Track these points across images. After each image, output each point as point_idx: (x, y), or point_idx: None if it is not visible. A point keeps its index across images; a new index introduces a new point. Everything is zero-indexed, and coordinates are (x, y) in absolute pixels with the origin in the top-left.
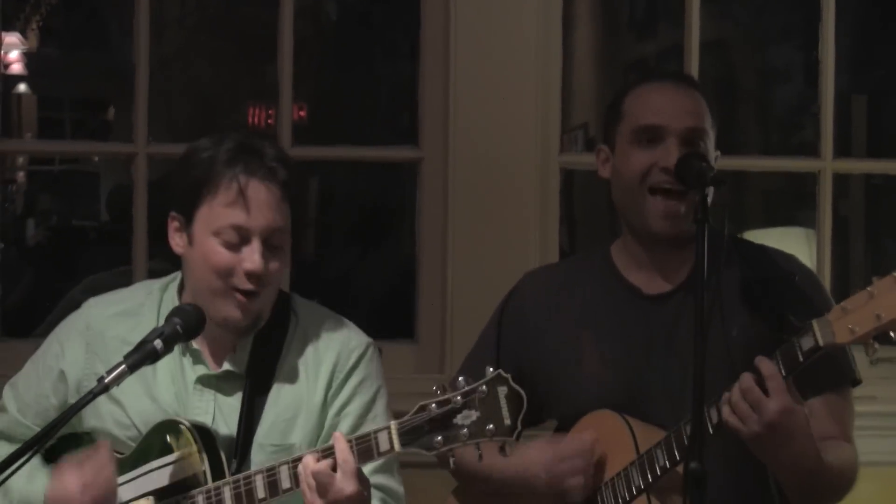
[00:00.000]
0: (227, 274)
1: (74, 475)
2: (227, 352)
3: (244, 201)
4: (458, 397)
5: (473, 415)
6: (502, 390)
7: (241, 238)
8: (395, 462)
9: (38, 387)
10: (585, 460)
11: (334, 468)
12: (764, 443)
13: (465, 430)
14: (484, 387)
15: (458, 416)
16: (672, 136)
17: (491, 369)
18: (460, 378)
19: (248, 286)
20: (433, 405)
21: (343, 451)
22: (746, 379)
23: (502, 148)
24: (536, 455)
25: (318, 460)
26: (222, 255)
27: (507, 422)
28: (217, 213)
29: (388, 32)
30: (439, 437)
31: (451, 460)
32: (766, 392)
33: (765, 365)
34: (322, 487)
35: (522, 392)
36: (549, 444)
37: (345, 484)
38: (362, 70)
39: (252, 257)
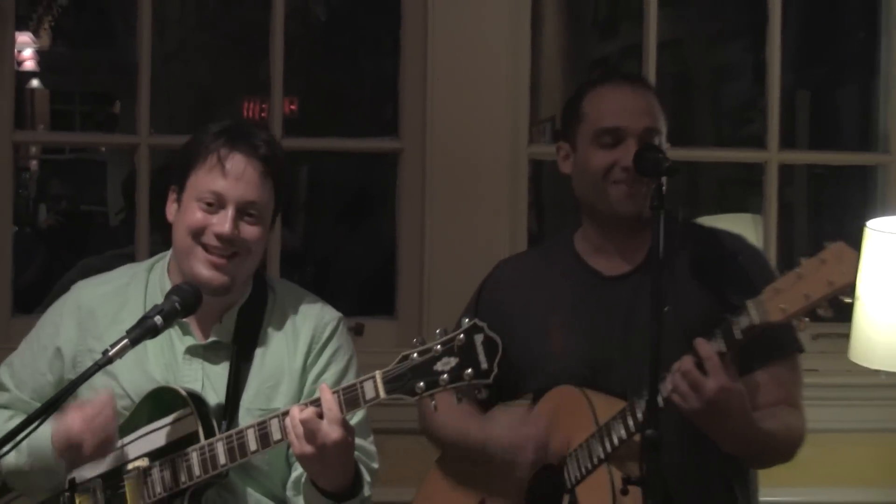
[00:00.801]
0: (198, 233)
1: (76, 413)
2: (214, 323)
3: (222, 170)
4: (438, 346)
5: (452, 361)
6: (479, 337)
7: (218, 203)
8: (368, 426)
9: (34, 365)
10: (538, 440)
11: (320, 416)
12: (704, 418)
13: (445, 375)
14: (462, 335)
15: (439, 363)
16: (631, 137)
17: (467, 319)
18: (438, 330)
19: (215, 244)
20: (415, 354)
21: (328, 401)
22: (686, 361)
23: (475, 139)
24: (502, 429)
25: (314, 410)
26: (197, 215)
27: (485, 366)
28: (201, 178)
29: (372, 32)
30: (421, 383)
31: (433, 404)
32: (704, 372)
33: (702, 347)
34: (309, 434)
35: (497, 338)
36: (511, 423)
37: (330, 430)
38: (348, 67)
39: (222, 222)
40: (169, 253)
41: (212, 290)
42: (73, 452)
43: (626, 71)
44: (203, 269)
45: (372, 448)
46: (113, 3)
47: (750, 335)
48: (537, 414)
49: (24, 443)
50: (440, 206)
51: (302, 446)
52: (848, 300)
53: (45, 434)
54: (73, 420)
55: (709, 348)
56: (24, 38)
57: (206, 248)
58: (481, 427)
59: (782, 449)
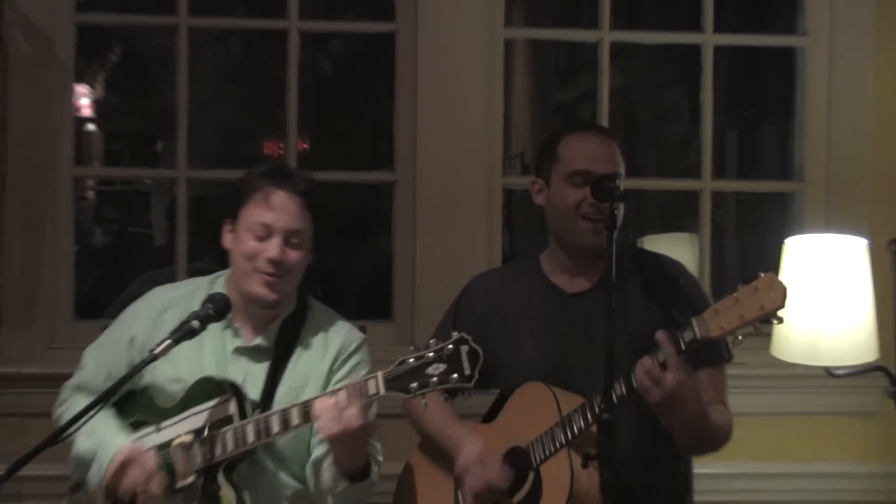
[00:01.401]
0: (252, 258)
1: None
2: (260, 330)
3: (269, 205)
4: (431, 353)
5: (442, 367)
6: (464, 348)
7: (267, 233)
8: (378, 428)
9: (111, 352)
10: (489, 478)
11: (345, 404)
12: (664, 408)
13: (435, 378)
14: (451, 346)
15: (430, 368)
16: (592, 178)
17: (456, 333)
18: (431, 340)
19: (268, 269)
20: (411, 359)
21: (352, 390)
22: (646, 360)
23: (457, 172)
24: (470, 445)
25: (335, 400)
26: (250, 244)
27: (468, 372)
28: (251, 213)
29: (370, 83)
30: (415, 384)
31: (424, 402)
32: (664, 368)
33: (663, 342)
34: (337, 414)
35: (480, 350)
36: (483, 457)
37: (353, 415)
38: (351, 112)
39: (271, 248)
40: (228, 270)
41: (263, 304)
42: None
43: (590, 120)
44: (257, 287)
45: (378, 446)
46: (155, 59)
47: (692, 347)
48: (498, 481)
49: (96, 441)
50: (428, 228)
51: (330, 427)
52: (776, 322)
53: (113, 445)
54: (120, 463)
55: (670, 346)
56: (82, 89)
57: (259, 270)
58: (457, 435)
59: (720, 440)
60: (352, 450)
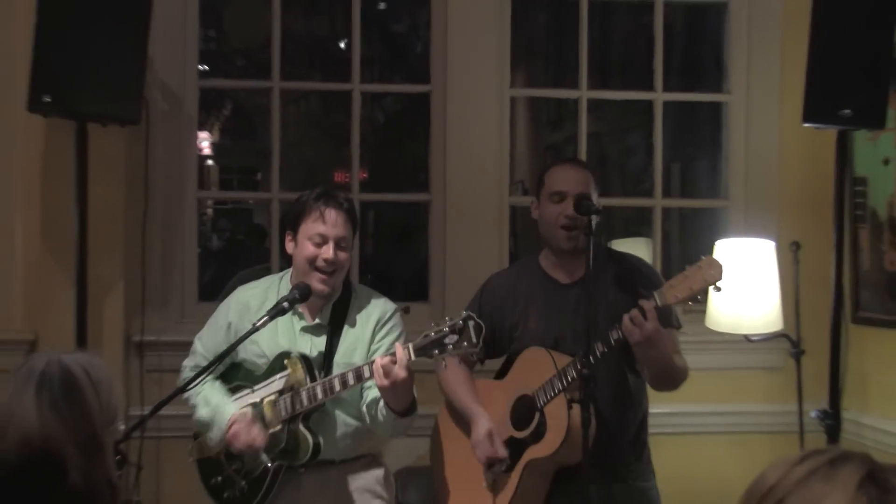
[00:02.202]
0: (312, 261)
1: (242, 434)
2: (317, 313)
3: (323, 220)
4: (446, 328)
5: (455, 337)
6: (471, 323)
7: (322, 241)
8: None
9: (214, 336)
10: (486, 451)
11: (394, 363)
12: (642, 347)
13: (451, 346)
14: (461, 322)
15: (446, 339)
16: (570, 197)
17: (465, 312)
18: (447, 318)
19: (325, 268)
20: (432, 333)
21: (400, 351)
22: (634, 311)
23: (476, 194)
24: (482, 420)
25: (391, 359)
26: (310, 249)
27: (474, 340)
28: (309, 226)
29: (412, 128)
30: (436, 350)
31: (444, 364)
32: (645, 318)
33: (647, 304)
34: (387, 372)
35: (482, 324)
36: (491, 434)
37: (401, 371)
38: (397, 149)
39: (327, 253)
40: (290, 269)
41: (321, 295)
42: (227, 442)
43: (571, 156)
44: (316, 283)
45: (415, 393)
46: (256, 112)
47: (661, 310)
48: (488, 436)
49: (212, 405)
50: (454, 235)
51: (382, 381)
52: (716, 291)
53: (227, 412)
54: (240, 430)
55: (650, 304)
56: (203, 134)
57: (317, 269)
58: (474, 409)
59: (679, 378)
60: (399, 396)
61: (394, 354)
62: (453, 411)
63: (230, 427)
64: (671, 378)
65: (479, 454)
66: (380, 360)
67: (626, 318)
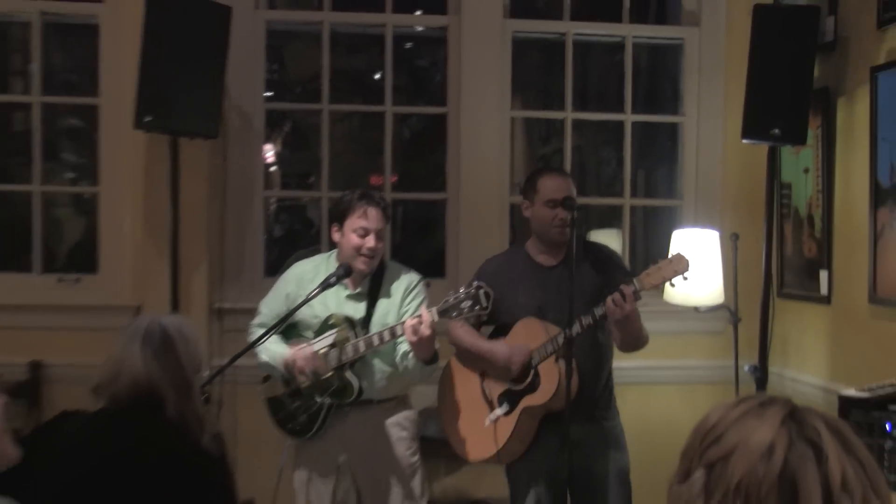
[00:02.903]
0: (358, 249)
1: (298, 354)
2: (359, 284)
3: (366, 216)
4: (462, 294)
5: (469, 302)
6: (481, 291)
7: (365, 233)
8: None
9: (275, 301)
10: (521, 360)
11: (421, 323)
12: (621, 323)
13: (466, 309)
14: (473, 289)
15: (462, 303)
16: (560, 202)
17: (476, 282)
18: (462, 287)
19: (368, 254)
20: (450, 298)
21: (425, 314)
22: (616, 296)
23: (483, 194)
24: (498, 347)
25: (419, 320)
26: (356, 240)
27: (484, 304)
28: (354, 221)
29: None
30: (454, 313)
31: (449, 329)
32: (625, 300)
33: (627, 289)
34: (415, 330)
35: (491, 291)
36: (508, 345)
37: (426, 329)
38: (421, 159)
39: (369, 242)
40: (336, 250)
41: (363, 274)
42: (289, 369)
43: (557, 165)
44: (360, 265)
45: (436, 346)
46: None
47: (635, 294)
48: (522, 347)
49: (271, 351)
50: (466, 226)
51: (411, 337)
52: (684, 279)
53: (282, 354)
54: (298, 357)
55: (629, 289)
56: (267, 146)
57: (361, 255)
58: (489, 346)
59: (643, 344)
60: (424, 349)
61: (420, 316)
62: (460, 361)
63: (291, 358)
64: (639, 344)
65: (514, 364)
66: (410, 320)
67: (609, 300)
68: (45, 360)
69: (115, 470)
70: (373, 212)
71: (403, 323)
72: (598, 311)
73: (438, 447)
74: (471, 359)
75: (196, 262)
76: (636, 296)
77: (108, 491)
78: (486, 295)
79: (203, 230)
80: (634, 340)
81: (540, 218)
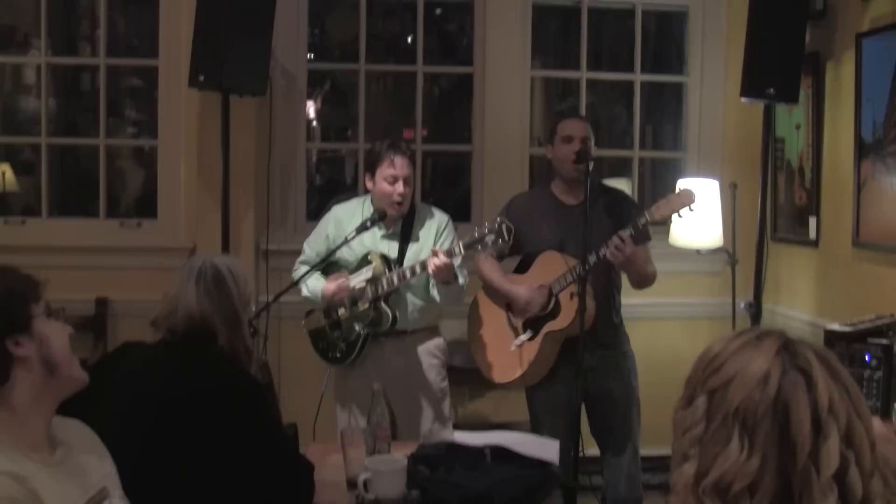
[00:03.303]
0: (389, 195)
1: (333, 283)
2: (393, 225)
3: (394, 164)
4: (486, 230)
5: (492, 236)
6: (504, 226)
7: (394, 180)
8: (462, 265)
9: (317, 242)
10: (540, 301)
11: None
12: (625, 264)
13: (489, 242)
14: (496, 225)
15: (486, 237)
16: (576, 140)
17: (499, 218)
18: (486, 223)
19: (398, 199)
20: (475, 234)
21: (439, 252)
22: (615, 239)
23: (506, 146)
24: (523, 288)
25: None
26: (387, 187)
27: (506, 237)
28: (384, 170)
29: (460, 99)
30: (479, 246)
31: (477, 263)
32: (624, 244)
33: (623, 234)
34: (435, 264)
35: (512, 226)
36: (529, 287)
37: (443, 258)
38: (449, 114)
39: (399, 188)
40: (370, 195)
41: (395, 217)
42: (326, 299)
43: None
44: (391, 210)
45: (464, 271)
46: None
47: (645, 225)
48: (540, 290)
49: (311, 287)
50: (489, 175)
51: (431, 266)
52: (691, 211)
53: (319, 287)
54: (330, 287)
55: (626, 234)
56: (309, 102)
57: (392, 200)
58: (510, 287)
59: (651, 280)
60: (445, 277)
61: (436, 253)
62: (487, 295)
63: (328, 292)
64: (646, 282)
65: (532, 306)
66: (433, 255)
67: (610, 245)
68: (109, 296)
69: (172, 395)
70: (399, 160)
71: (427, 260)
72: (602, 252)
73: (464, 375)
74: (495, 294)
75: (245, 208)
76: (644, 234)
77: (164, 414)
78: (508, 230)
79: (251, 179)
80: (641, 278)
81: (558, 155)
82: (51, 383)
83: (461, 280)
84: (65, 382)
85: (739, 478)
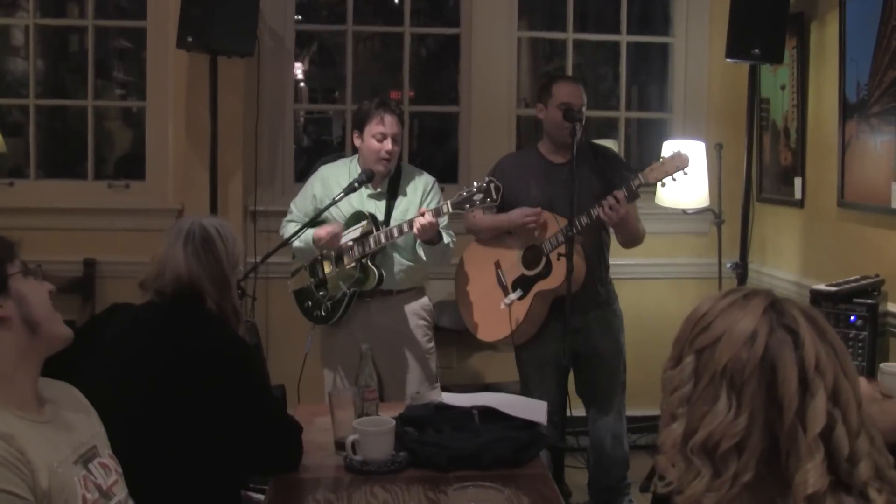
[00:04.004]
0: (377, 152)
1: (323, 228)
2: (380, 184)
3: (383, 122)
4: (474, 188)
5: (481, 195)
6: (492, 185)
7: (382, 137)
8: (448, 225)
9: (304, 202)
10: (534, 216)
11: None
12: (618, 224)
13: (478, 201)
14: (485, 184)
15: (475, 196)
16: (573, 108)
17: (487, 177)
18: (475, 182)
19: (385, 157)
20: (464, 192)
21: (426, 212)
22: (609, 199)
23: (493, 107)
24: (511, 214)
25: (422, 214)
26: (375, 144)
27: (494, 196)
28: (373, 127)
29: (447, 60)
30: (467, 205)
31: (473, 213)
32: (619, 204)
33: (619, 194)
34: (421, 223)
35: (500, 185)
36: (517, 210)
37: (427, 220)
38: (436, 75)
39: (387, 146)
40: (357, 155)
41: (382, 175)
42: (319, 244)
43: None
44: (379, 167)
45: (451, 232)
46: (335, 47)
47: (638, 187)
48: (532, 210)
49: (302, 236)
50: (477, 135)
51: (417, 225)
52: (685, 174)
53: (310, 233)
54: (322, 230)
55: (622, 194)
56: (297, 64)
57: (380, 158)
58: (503, 215)
59: (641, 238)
60: (430, 236)
61: (423, 214)
62: (477, 250)
63: (321, 236)
64: (636, 241)
65: (528, 217)
66: (419, 214)
67: (605, 204)
68: (98, 257)
69: (160, 356)
70: (389, 118)
71: (414, 220)
72: (594, 212)
73: (452, 336)
74: (490, 238)
75: (233, 169)
76: (635, 194)
77: (153, 374)
78: (497, 188)
79: (239, 140)
80: (633, 238)
81: (552, 119)
82: (34, 342)
83: (446, 239)
84: (48, 340)
85: (727, 436)
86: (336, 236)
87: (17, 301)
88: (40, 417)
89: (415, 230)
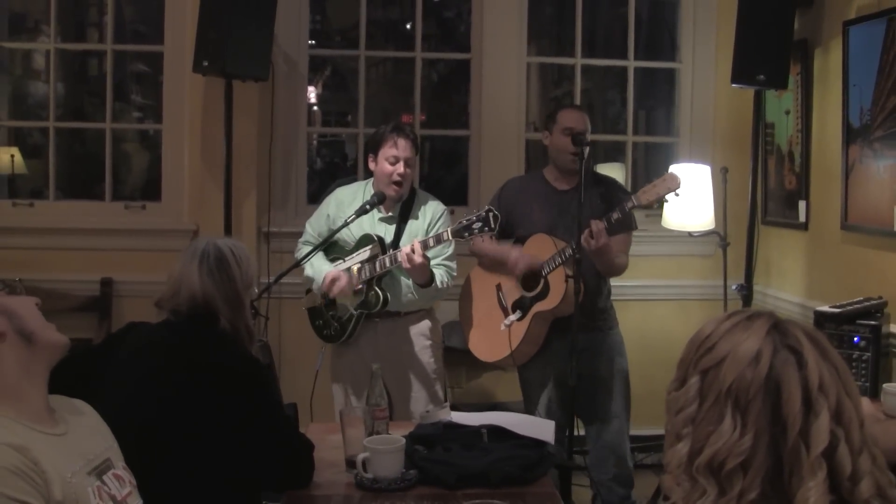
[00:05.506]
0: (389, 175)
1: (331, 279)
2: (391, 208)
3: (396, 145)
4: (474, 217)
5: (480, 223)
6: (491, 214)
7: (395, 160)
8: (453, 255)
9: (318, 222)
10: (527, 263)
11: (412, 251)
12: (596, 254)
13: (477, 230)
14: (484, 213)
15: (474, 225)
16: (577, 133)
17: (487, 206)
18: (475, 211)
19: (398, 180)
20: (464, 220)
21: (416, 244)
22: (587, 233)
23: (502, 131)
24: (512, 250)
25: (411, 248)
26: (388, 168)
27: (492, 225)
28: (386, 150)
29: (458, 84)
30: (466, 234)
31: (472, 242)
32: (594, 236)
33: (597, 225)
34: (409, 257)
35: (498, 214)
36: (517, 250)
37: (417, 258)
38: (447, 99)
39: (399, 169)
40: (372, 179)
41: (394, 199)
42: (324, 288)
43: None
44: (391, 191)
45: (453, 264)
46: (347, 72)
47: (632, 209)
48: (531, 257)
49: (315, 267)
50: (487, 159)
51: (406, 263)
52: (677, 196)
53: (324, 270)
54: (333, 279)
55: (600, 226)
56: (310, 87)
57: (392, 181)
58: (504, 248)
59: (618, 270)
60: (419, 274)
61: (412, 245)
62: (481, 272)
63: (328, 277)
64: (612, 273)
65: (518, 266)
66: (405, 248)
67: (584, 235)
68: (114, 277)
69: (175, 373)
70: (402, 142)
71: (400, 250)
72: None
73: (461, 356)
74: (490, 264)
75: (247, 191)
76: (627, 221)
77: (168, 392)
78: (495, 217)
79: (253, 162)
80: (608, 269)
81: (556, 145)
82: (33, 352)
83: (438, 281)
84: (46, 348)
85: (732, 456)
86: (342, 292)
87: (8, 316)
88: (53, 430)
89: (401, 260)
